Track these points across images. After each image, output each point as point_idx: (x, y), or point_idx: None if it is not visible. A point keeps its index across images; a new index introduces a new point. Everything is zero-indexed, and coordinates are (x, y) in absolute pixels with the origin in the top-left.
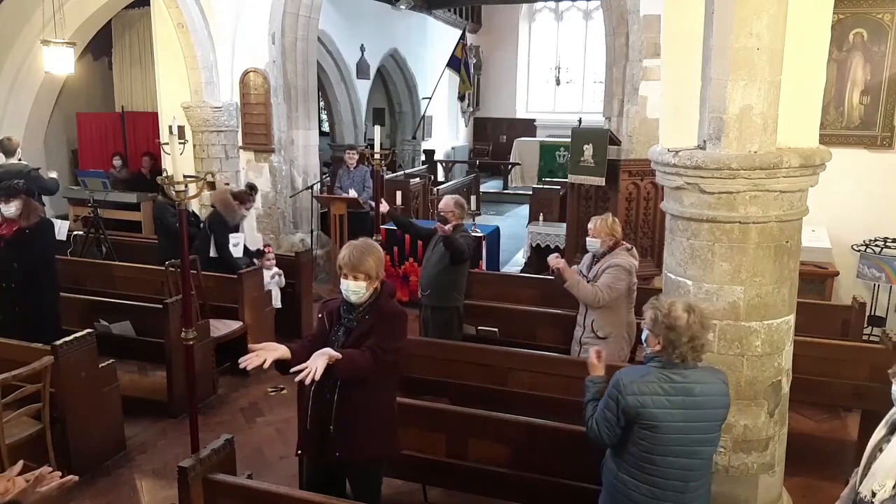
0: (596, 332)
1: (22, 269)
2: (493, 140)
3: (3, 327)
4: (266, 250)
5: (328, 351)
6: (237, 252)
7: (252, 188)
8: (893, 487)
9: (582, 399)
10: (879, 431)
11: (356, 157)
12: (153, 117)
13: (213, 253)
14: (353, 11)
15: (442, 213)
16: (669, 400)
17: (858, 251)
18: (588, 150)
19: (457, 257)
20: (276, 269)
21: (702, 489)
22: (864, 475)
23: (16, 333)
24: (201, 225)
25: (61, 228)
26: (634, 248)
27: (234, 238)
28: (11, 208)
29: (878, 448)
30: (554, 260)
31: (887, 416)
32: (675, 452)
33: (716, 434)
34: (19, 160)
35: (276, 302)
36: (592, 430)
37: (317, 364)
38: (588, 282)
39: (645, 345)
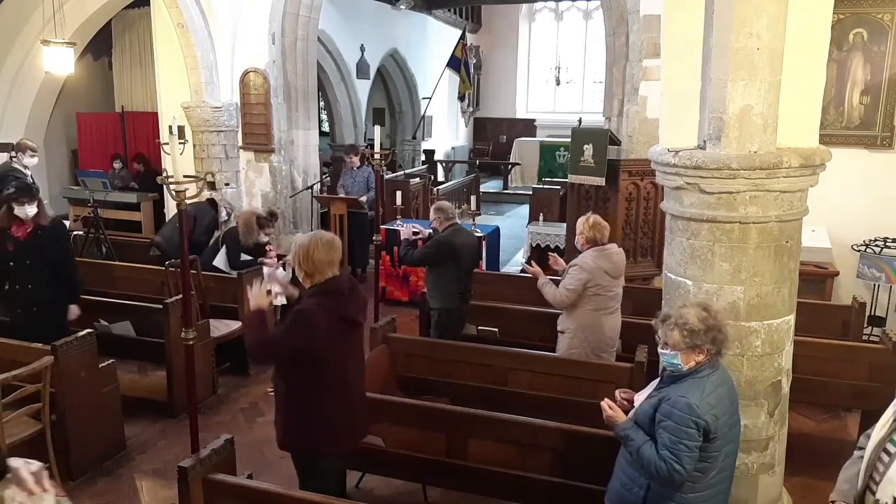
0: (558, 326)
1: (37, 269)
2: (493, 140)
3: (19, 328)
4: (268, 248)
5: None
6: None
7: (272, 215)
8: None
9: (581, 399)
10: (882, 429)
11: (357, 160)
12: (153, 117)
13: (218, 263)
14: (353, 11)
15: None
16: (727, 404)
17: (858, 251)
18: (588, 150)
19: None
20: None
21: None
22: (867, 474)
23: (33, 334)
24: (216, 235)
25: None
26: (611, 249)
27: (242, 256)
28: (34, 209)
29: (883, 448)
30: (529, 268)
31: (889, 412)
32: (729, 451)
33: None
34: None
35: (280, 299)
36: (671, 468)
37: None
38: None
39: (680, 367)
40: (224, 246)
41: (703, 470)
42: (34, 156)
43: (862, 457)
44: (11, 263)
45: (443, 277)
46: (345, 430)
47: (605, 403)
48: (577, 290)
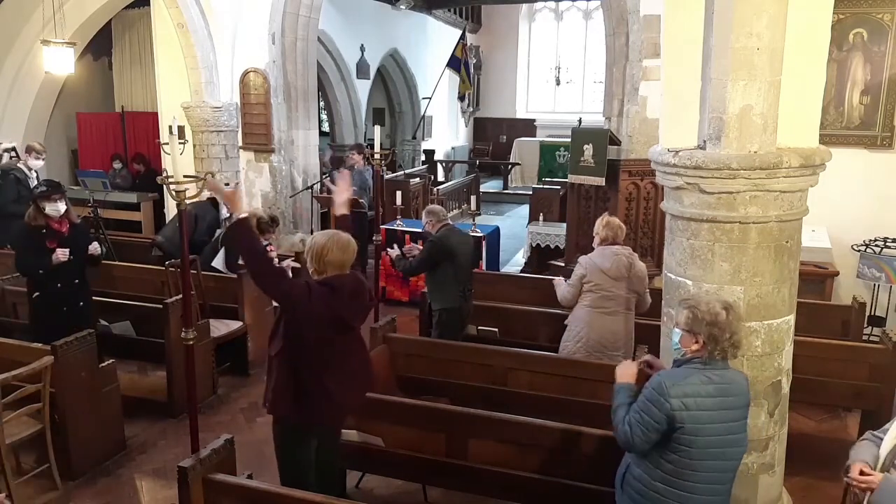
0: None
1: (80, 264)
2: (493, 140)
3: (67, 328)
4: (269, 249)
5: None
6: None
7: (274, 220)
8: None
9: (581, 399)
10: None
11: (359, 158)
12: (153, 117)
13: (216, 264)
14: (353, 11)
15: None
16: (711, 401)
17: (858, 251)
18: (588, 150)
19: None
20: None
21: (729, 489)
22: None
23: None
24: (217, 234)
25: None
26: (612, 249)
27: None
28: (63, 206)
29: None
30: (555, 279)
31: None
32: (714, 455)
33: (745, 433)
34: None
35: None
36: (624, 433)
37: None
38: None
39: (677, 348)
40: (223, 247)
41: (673, 462)
42: (39, 158)
43: (869, 440)
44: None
45: (441, 278)
46: (313, 408)
47: (627, 361)
48: (574, 284)
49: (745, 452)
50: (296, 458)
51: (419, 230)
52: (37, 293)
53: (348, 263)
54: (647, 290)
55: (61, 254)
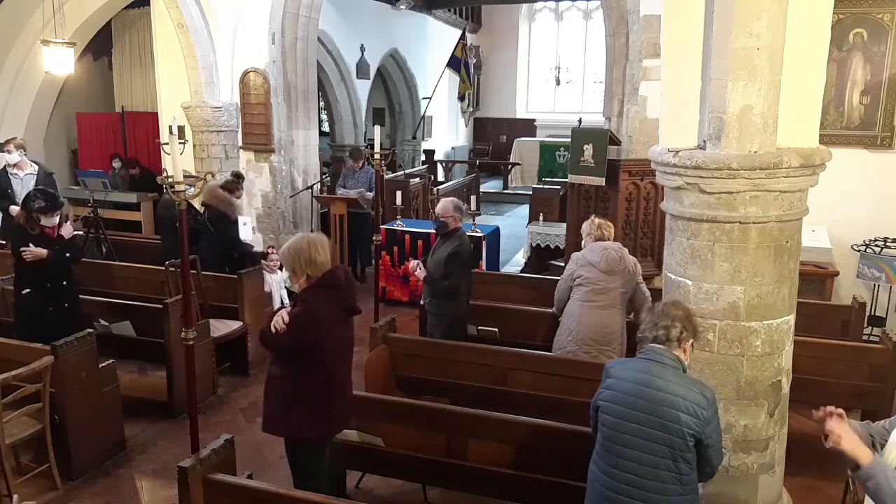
0: None
1: (68, 266)
2: (493, 140)
3: (52, 326)
4: (269, 251)
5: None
6: (246, 232)
7: (238, 176)
8: None
9: (581, 399)
10: None
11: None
12: (153, 117)
13: (245, 236)
14: (353, 11)
15: (441, 219)
16: (625, 385)
17: (858, 251)
18: (588, 150)
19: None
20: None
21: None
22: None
23: (67, 330)
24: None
25: None
26: (602, 244)
27: (241, 219)
28: (57, 218)
29: None
30: None
31: None
32: (626, 442)
33: (669, 446)
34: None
35: (278, 302)
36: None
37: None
38: None
39: (685, 367)
40: (217, 232)
41: (599, 442)
42: (7, 150)
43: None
44: (50, 262)
45: (456, 284)
46: (333, 417)
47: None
48: (565, 279)
49: (673, 467)
50: (315, 473)
51: (419, 230)
52: (27, 289)
53: (330, 258)
54: (643, 283)
55: (36, 250)
